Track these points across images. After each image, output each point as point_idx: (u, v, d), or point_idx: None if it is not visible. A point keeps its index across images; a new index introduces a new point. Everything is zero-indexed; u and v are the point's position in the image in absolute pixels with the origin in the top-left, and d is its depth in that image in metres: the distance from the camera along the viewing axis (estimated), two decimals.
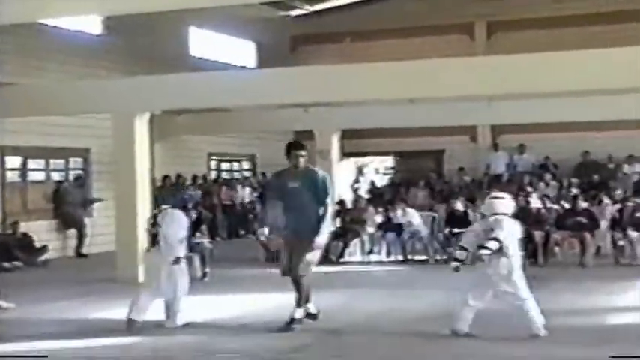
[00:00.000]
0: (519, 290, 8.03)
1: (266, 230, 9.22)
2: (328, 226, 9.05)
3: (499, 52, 18.34)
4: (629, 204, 15.08)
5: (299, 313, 8.91)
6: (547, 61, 11.79)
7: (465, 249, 8.28)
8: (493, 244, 7.94)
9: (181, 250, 9.15)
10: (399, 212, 15.49)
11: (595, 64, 11.41)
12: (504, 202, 8.28)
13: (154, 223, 9.17)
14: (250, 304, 10.63)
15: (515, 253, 8.09)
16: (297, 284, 8.88)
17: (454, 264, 8.27)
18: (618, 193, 16.94)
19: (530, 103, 17.78)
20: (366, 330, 8.79)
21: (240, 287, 12.12)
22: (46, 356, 7.73)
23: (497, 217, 8.08)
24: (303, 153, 9.00)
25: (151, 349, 8.18)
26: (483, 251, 7.92)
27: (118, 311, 10.16)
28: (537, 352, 7.59)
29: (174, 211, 9.34)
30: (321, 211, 8.82)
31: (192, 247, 13.22)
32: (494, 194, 8.61)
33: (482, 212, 8.38)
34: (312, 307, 9.07)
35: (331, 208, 9.24)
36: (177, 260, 9.04)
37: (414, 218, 15.48)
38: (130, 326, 8.82)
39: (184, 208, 9.25)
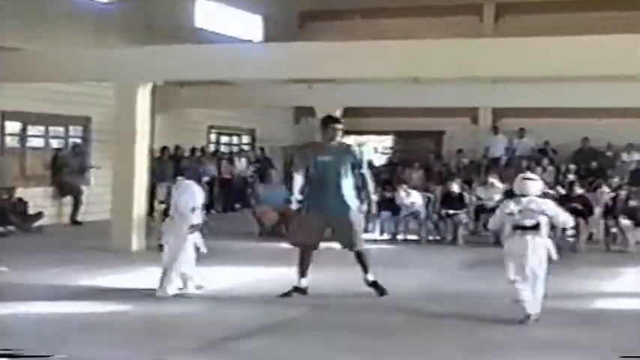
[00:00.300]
0: (543, 273, 8.00)
1: (297, 195, 9.29)
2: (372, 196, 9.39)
3: (507, 34, 18.34)
4: (623, 192, 15.10)
5: (372, 277, 9.25)
6: (554, 45, 11.80)
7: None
8: (544, 220, 7.97)
9: (194, 219, 9.26)
10: (403, 193, 15.51)
11: (601, 50, 11.43)
12: (536, 184, 8.27)
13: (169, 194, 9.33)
14: (242, 277, 10.67)
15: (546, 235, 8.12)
16: (359, 256, 9.19)
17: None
18: (615, 180, 16.96)
19: (532, 87, 17.83)
20: (354, 306, 8.84)
21: (234, 260, 12.16)
22: (36, 319, 7.83)
23: (532, 197, 8.03)
24: (340, 126, 9.14)
25: (142, 317, 8.23)
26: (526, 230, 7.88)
27: (109, 279, 10.28)
28: (524, 334, 7.64)
29: (187, 182, 9.44)
30: (357, 183, 9.13)
31: None
32: (526, 175, 8.56)
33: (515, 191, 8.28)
34: (304, 282, 9.25)
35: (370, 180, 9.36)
36: (191, 228, 9.18)
37: (416, 199, 15.52)
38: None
39: (199, 181, 9.33)
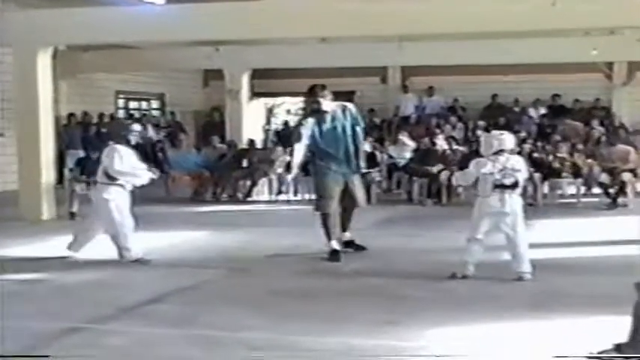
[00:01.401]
0: (522, 228, 8.06)
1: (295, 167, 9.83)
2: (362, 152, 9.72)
3: None
4: (526, 146, 15.33)
5: (347, 236, 9.62)
6: (457, 2, 11.85)
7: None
8: (521, 177, 8.03)
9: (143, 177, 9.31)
10: None
11: (505, 6, 11.50)
12: (511, 138, 8.30)
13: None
14: (155, 242, 10.52)
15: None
16: (351, 214, 9.59)
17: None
18: (521, 135, 17.24)
19: (440, 45, 17.95)
20: (268, 267, 8.82)
21: (147, 225, 11.98)
22: None
23: (508, 155, 8.07)
24: (315, 99, 9.33)
25: (56, 286, 8.06)
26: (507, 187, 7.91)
27: (21, 249, 10.05)
28: (435, 287, 7.72)
29: (116, 146, 9.19)
30: (357, 143, 9.45)
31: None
32: (496, 132, 8.55)
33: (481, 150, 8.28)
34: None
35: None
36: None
37: None
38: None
39: (127, 143, 9.15)
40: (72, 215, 12.75)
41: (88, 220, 9.49)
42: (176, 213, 13.86)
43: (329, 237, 9.28)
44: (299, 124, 9.82)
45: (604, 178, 13.87)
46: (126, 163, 9.07)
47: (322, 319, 6.62)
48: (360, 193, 9.60)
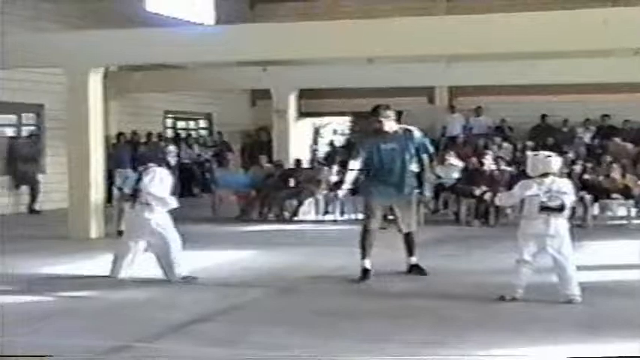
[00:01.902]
0: (569, 252, 7.96)
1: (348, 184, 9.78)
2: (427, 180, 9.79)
3: (459, 13, 18.35)
4: (577, 167, 15.15)
5: (414, 260, 9.48)
6: (506, 22, 11.82)
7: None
8: (568, 201, 7.93)
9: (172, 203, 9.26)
10: None
11: (553, 27, 11.44)
12: (558, 161, 8.19)
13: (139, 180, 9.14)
14: (203, 261, 10.56)
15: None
16: (410, 239, 9.44)
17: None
18: (569, 156, 17.05)
19: (487, 65, 17.86)
20: (313, 287, 8.80)
21: (192, 244, 12.04)
22: None
23: (554, 178, 7.97)
24: (378, 119, 9.29)
25: (104, 304, 8.13)
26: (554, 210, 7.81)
27: (69, 267, 10.14)
28: (481, 309, 7.64)
29: (157, 168, 9.19)
30: (417, 169, 9.41)
31: None
32: (542, 153, 8.44)
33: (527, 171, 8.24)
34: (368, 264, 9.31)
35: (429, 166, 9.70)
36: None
37: None
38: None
39: (167, 166, 9.21)
40: (120, 234, 12.83)
41: (127, 241, 9.37)
42: (222, 232, 13.91)
43: (362, 255, 9.28)
44: (358, 141, 9.94)
45: None
46: (164, 187, 9.07)
47: (365, 339, 6.59)
48: (406, 218, 9.41)
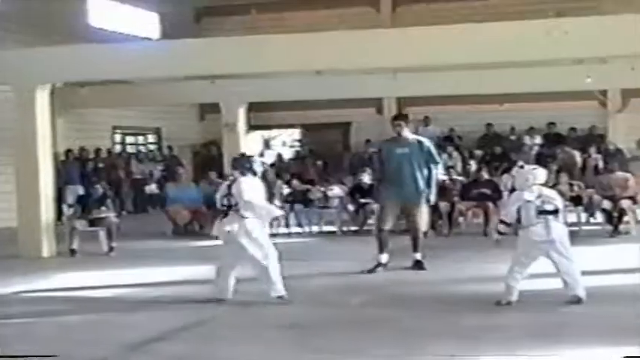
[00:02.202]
0: (572, 255, 8.12)
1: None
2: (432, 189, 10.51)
3: (404, 25, 18.51)
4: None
5: (419, 256, 10.42)
6: (451, 33, 11.93)
7: (506, 223, 8.29)
8: (560, 204, 8.19)
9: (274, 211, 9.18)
10: (337, 188, 15.65)
11: (498, 38, 11.59)
12: (542, 172, 8.43)
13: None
14: (158, 278, 10.50)
15: None
16: (416, 237, 10.41)
17: (497, 237, 8.54)
18: (519, 164, 17.22)
19: (434, 75, 18.01)
20: (275, 300, 8.76)
21: (148, 261, 12.00)
22: None
23: (539, 186, 8.16)
24: (398, 122, 10.45)
25: (58, 324, 8.01)
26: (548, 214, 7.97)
27: (21, 286, 9.99)
28: (444, 319, 7.70)
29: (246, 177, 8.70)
30: (427, 175, 10.33)
31: (94, 222, 13.10)
32: (529, 166, 8.83)
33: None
34: (385, 258, 10.39)
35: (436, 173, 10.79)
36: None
37: (338, 192, 15.64)
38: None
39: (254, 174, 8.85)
40: (72, 252, 12.72)
41: (222, 262, 8.85)
42: (177, 248, 13.82)
43: (380, 250, 10.33)
44: (377, 147, 11.10)
45: (606, 204, 13.86)
46: (261, 196, 8.72)
47: (333, 352, 6.59)
48: (414, 216, 10.36)
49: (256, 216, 8.50)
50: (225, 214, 8.51)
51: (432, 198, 10.56)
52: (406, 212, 10.53)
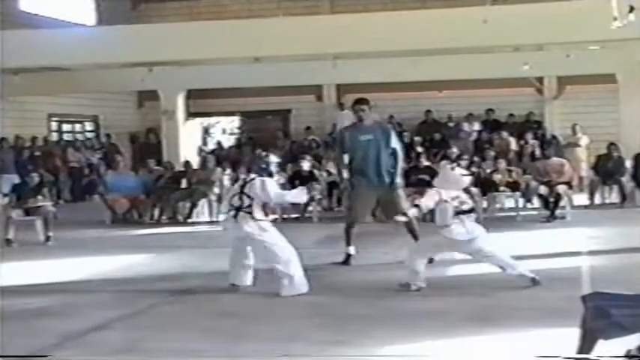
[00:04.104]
0: (490, 246, 8.29)
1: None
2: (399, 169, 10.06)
3: (343, 10, 18.55)
4: (462, 162, 15.46)
5: None
6: (389, 20, 12.00)
7: (418, 206, 8.30)
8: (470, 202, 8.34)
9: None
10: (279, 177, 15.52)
11: (435, 24, 11.70)
12: (467, 180, 8.68)
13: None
14: (97, 267, 10.38)
15: None
16: (410, 226, 9.68)
17: (401, 218, 8.82)
18: (454, 151, 17.43)
19: (374, 62, 18.12)
20: (216, 289, 8.72)
21: (86, 250, 11.86)
22: None
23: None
24: (362, 107, 9.92)
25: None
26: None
27: None
28: (379, 305, 7.75)
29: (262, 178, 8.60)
30: (394, 160, 9.88)
31: (30, 211, 12.90)
32: (459, 170, 8.96)
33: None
34: (352, 250, 9.99)
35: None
36: None
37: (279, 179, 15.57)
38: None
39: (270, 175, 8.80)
40: (8, 242, 12.50)
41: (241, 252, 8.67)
42: (115, 236, 13.68)
43: (346, 242, 10.01)
44: (339, 135, 10.56)
45: (543, 190, 14.06)
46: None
47: (270, 340, 6.57)
48: (395, 208, 9.66)
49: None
50: (235, 215, 8.41)
51: (398, 181, 9.99)
52: (383, 202, 10.17)
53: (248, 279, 8.65)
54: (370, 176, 9.88)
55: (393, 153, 9.95)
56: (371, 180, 9.88)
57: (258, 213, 8.40)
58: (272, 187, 8.55)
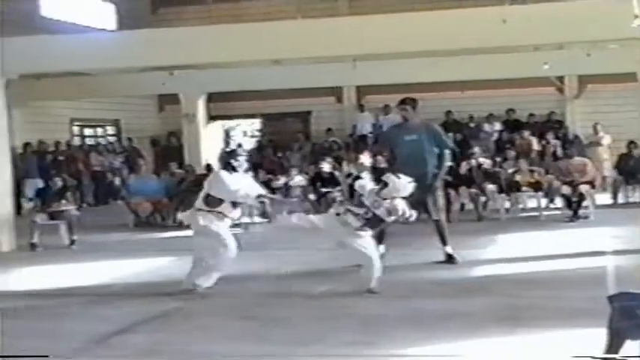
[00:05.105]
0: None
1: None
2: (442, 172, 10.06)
3: (362, 12, 18.53)
4: (473, 161, 15.43)
5: (449, 249, 9.86)
6: (409, 21, 11.99)
7: None
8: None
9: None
10: (298, 177, 15.66)
11: (455, 25, 11.67)
12: (411, 186, 8.68)
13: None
14: (121, 270, 10.44)
15: None
16: (440, 227, 9.87)
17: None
18: (474, 151, 17.36)
19: (394, 63, 18.05)
20: (237, 292, 8.75)
21: (110, 253, 11.92)
22: None
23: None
24: (405, 107, 9.91)
25: (19, 318, 7.91)
26: None
27: None
28: (405, 306, 7.74)
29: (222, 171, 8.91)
30: (437, 161, 9.85)
31: (54, 215, 12.98)
32: (406, 178, 8.85)
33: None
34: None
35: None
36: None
37: (300, 180, 15.67)
38: None
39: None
40: (33, 246, 12.59)
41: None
42: (139, 240, 13.73)
43: (377, 241, 9.53)
44: (385, 134, 10.61)
45: (566, 190, 14.00)
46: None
47: (294, 341, 6.59)
48: (433, 206, 9.84)
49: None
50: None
51: (437, 184, 9.94)
52: (420, 202, 9.77)
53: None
54: (411, 175, 9.52)
55: (440, 154, 9.91)
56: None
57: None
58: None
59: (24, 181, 17.23)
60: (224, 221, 8.70)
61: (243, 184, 8.72)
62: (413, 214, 8.46)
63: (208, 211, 8.63)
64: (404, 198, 8.41)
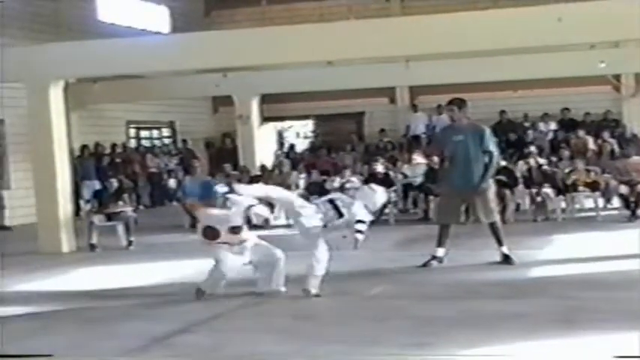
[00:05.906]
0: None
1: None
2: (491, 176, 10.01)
3: (414, 12, 18.49)
4: (542, 160, 15.32)
5: (505, 250, 9.83)
6: (462, 21, 11.93)
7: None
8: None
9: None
10: (355, 180, 15.68)
11: (508, 24, 11.60)
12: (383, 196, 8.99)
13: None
14: (178, 271, 10.55)
15: None
16: (494, 228, 9.87)
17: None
18: (531, 150, 17.23)
19: (447, 63, 17.98)
20: (294, 291, 8.79)
21: (167, 254, 12.06)
22: None
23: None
24: (452, 108, 9.93)
25: (81, 318, 8.05)
26: None
27: (44, 282, 10.06)
28: (461, 307, 7.72)
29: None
30: (487, 161, 9.78)
31: (111, 217, 13.17)
32: (379, 187, 9.12)
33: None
34: (441, 252, 9.95)
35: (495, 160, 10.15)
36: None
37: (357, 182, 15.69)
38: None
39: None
40: (92, 247, 12.80)
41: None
42: (195, 241, 13.67)
43: (438, 243, 9.94)
44: (437, 134, 10.24)
45: (624, 189, 13.83)
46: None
47: (349, 343, 6.60)
48: (483, 208, 9.83)
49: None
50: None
51: (484, 185, 9.87)
52: (471, 203, 10.09)
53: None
54: (457, 176, 9.86)
55: (488, 155, 9.83)
56: (458, 180, 9.85)
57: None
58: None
59: (82, 182, 17.51)
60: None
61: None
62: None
63: None
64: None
